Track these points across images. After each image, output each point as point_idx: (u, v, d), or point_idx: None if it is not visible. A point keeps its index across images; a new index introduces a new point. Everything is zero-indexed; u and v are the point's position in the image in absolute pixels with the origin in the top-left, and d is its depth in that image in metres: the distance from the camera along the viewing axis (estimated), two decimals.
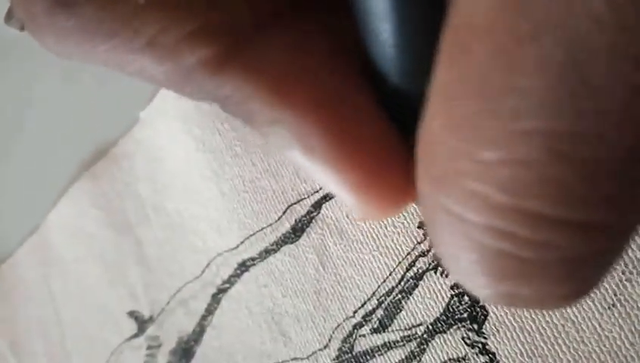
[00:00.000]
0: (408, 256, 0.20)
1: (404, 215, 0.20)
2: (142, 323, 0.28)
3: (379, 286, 0.21)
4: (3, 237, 0.35)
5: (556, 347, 0.17)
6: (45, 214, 0.31)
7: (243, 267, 0.24)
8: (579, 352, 0.17)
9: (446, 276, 0.19)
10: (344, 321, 0.21)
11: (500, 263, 0.08)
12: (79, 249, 0.30)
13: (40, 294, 0.33)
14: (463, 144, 0.07)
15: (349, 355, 0.21)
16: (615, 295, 0.16)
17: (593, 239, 0.08)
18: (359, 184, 0.10)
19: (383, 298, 0.21)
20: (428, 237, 0.20)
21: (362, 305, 0.21)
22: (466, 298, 0.19)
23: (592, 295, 0.17)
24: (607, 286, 0.17)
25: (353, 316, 0.21)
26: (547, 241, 0.08)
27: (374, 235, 0.21)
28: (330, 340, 0.22)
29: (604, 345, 0.17)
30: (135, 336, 0.28)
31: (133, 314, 0.28)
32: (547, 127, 0.07)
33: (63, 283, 0.31)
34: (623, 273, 0.16)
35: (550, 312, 0.17)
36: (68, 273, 0.31)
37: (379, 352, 0.21)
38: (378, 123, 0.10)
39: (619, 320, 0.16)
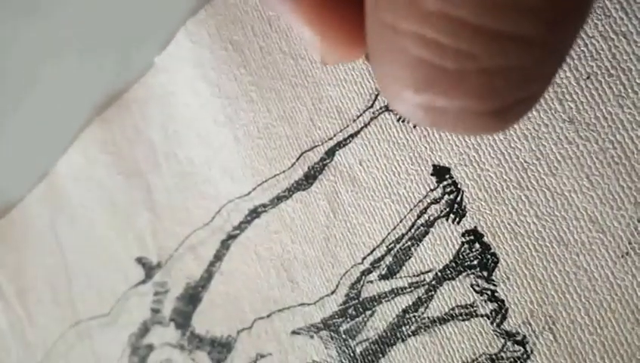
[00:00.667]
0: (420, 203, 0.20)
1: (417, 162, 0.20)
2: (150, 269, 0.28)
3: (389, 234, 0.21)
4: (13, 183, 0.35)
5: (567, 295, 0.17)
6: (55, 160, 0.31)
7: (255, 213, 0.24)
8: (590, 301, 0.17)
9: (457, 223, 0.19)
10: (352, 267, 0.21)
11: (421, 72, 0.08)
12: (89, 195, 0.30)
13: (48, 241, 0.33)
14: None
15: (356, 300, 0.21)
16: (629, 243, 0.16)
17: (513, 51, 0.08)
18: (328, 25, 0.11)
19: (392, 245, 0.21)
20: (441, 184, 0.20)
21: (371, 252, 0.21)
22: (477, 245, 0.19)
23: (606, 243, 0.17)
24: (621, 234, 0.16)
25: (362, 263, 0.21)
26: (467, 50, 0.08)
27: (386, 182, 0.21)
28: (337, 286, 0.22)
29: (616, 294, 0.17)
30: (142, 282, 0.28)
31: (141, 261, 0.28)
32: None
33: (71, 229, 0.32)
34: (638, 221, 0.16)
35: (561, 260, 0.17)
36: (77, 219, 0.31)
37: (386, 298, 0.21)
38: None
39: (633, 268, 0.16)
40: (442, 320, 0.20)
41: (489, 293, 0.19)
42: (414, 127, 0.20)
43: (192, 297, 0.26)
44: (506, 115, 0.09)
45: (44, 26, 0.32)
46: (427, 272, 0.20)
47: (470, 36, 0.08)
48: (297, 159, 0.22)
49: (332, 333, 0.22)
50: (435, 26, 0.08)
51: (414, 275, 0.20)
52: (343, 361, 0.22)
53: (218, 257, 0.25)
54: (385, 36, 0.09)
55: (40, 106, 0.33)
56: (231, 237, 0.25)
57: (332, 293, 0.22)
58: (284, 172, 0.23)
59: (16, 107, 0.34)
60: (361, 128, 0.21)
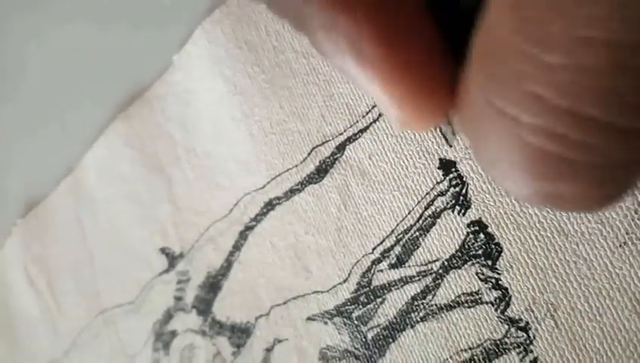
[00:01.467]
0: (427, 196, 0.21)
1: (425, 156, 0.21)
2: (173, 259, 0.29)
3: (398, 225, 0.21)
4: (41, 177, 0.36)
5: (567, 283, 0.18)
6: (80, 155, 0.33)
7: (270, 206, 0.25)
8: (590, 289, 0.18)
9: (463, 214, 0.20)
10: (363, 257, 0.22)
11: (546, 163, 0.09)
12: (113, 188, 0.32)
13: (74, 233, 0.35)
14: (528, 46, 0.08)
15: (367, 288, 0.22)
16: (627, 233, 0.17)
17: (638, 146, 0.08)
18: (406, 93, 0.10)
19: (401, 235, 0.21)
20: (447, 177, 0.20)
21: (381, 242, 0.22)
22: (481, 235, 0.20)
23: (605, 233, 0.17)
24: (619, 224, 0.17)
25: (372, 252, 0.22)
26: (595, 145, 0.08)
27: (394, 175, 0.21)
28: (349, 275, 0.23)
29: (614, 282, 0.17)
30: (166, 271, 0.29)
31: (164, 251, 0.29)
32: (615, 38, 0.07)
33: (96, 222, 0.33)
34: (636, 212, 0.17)
35: (562, 250, 0.18)
36: (101, 212, 0.33)
37: (395, 287, 0.22)
38: (427, 30, 0.10)
39: (630, 258, 0.17)
40: (449, 307, 0.20)
41: (493, 281, 0.19)
42: None
43: (213, 285, 0.27)
44: (617, 197, 0.09)
45: (70, 28, 0.33)
46: (435, 261, 0.21)
47: (601, 133, 0.08)
48: (309, 153, 0.23)
49: (345, 320, 0.23)
50: (564, 122, 0.08)
51: (422, 264, 0.21)
52: (356, 345, 0.23)
53: (236, 247, 0.26)
54: (497, 121, 0.09)
55: (66, 103, 0.35)
56: (248, 229, 0.26)
57: (344, 281, 0.23)
58: (296, 166, 0.24)
59: (43, 105, 0.36)
60: (371, 123, 0.22)
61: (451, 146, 0.20)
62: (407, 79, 0.10)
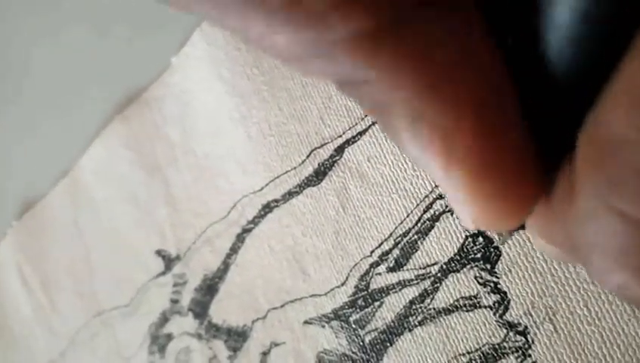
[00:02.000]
0: (426, 199, 0.21)
1: None
2: (169, 261, 0.29)
3: (396, 228, 0.21)
4: (37, 178, 0.36)
5: (566, 287, 0.18)
6: (78, 156, 0.33)
7: (267, 208, 0.25)
8: (589, 293, 0.18)
9: None
10: (361, 260, 0.22)
11: None
12: (110, 189, 0.31)
13: (71, 233, 0.34)
14: None
15: (365, 292, 0.22)
16: None
17: None
18: (492, 198, 0.10)
19: (399, 238, 0.21)
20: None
21: (379, 245, 0.22)
22: (480, 239, 0.20)
23: None
24: None
25: (370, 255, 0.22)
26: None
27: (393, 178, 0.21)
28: (347, 278, 0.23)
29: None
30: (162, 274, 0.29)
31: (161, 253, 0.29)
32: None
33: (93, 223, 0.33)
34: None
35: None
36: (98, 213, 0.32)
37: (394, 290, 0.21)
38: (520, 129, 0.10)
39: None
40: (448, 311, 0.20)
41: (492, 285, 0.19)
42: None
43: (209, 288, 0.27)
44: None
45: (69, 30, 0.33)
46: (433, 265, 0.21)
47: None
48: (308, 156, 0.23)
49: (342, 323, 0.23)
50: None
51: (420, 268, 0.21)
52: (353, 349, 0.23)
53: (234, 250, 0.26)
54: (621, 226, 0.08)
55: (64, 104, 0.34)
56: (246, 231, 0.26)
57: (342, 284, 0.23)
58: (294, 168, 0.24)
59: (40, 106, 0.36)
60: (370, 125, 0.22)
61: (502, 245, 0.19)
62: (496, 179, 0.09)
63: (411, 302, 0.21)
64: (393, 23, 0.08)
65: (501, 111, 0.09)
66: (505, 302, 0.19)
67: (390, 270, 0.22)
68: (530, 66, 0.09)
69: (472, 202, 0.10)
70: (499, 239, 0.19)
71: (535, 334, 0.18)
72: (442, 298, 0.20)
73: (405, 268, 0.21)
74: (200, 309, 0.28)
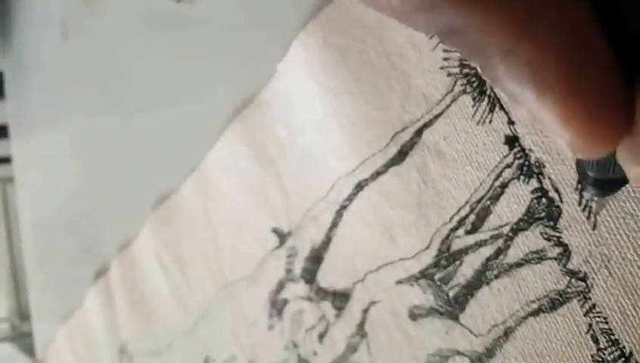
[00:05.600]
0: (496, 168, 0.24)
1: (492, 134, 0.24)
2: (282, 237, 0.34)
3: (471, 196, 0.25)
4: (170, 174, 0.43)
5: (617, 236, 0.20)
6: (204, 154, 0.39)
7: (359, 187, 0.29)
8: (637, 240, 0.20)
9: (527, 183, 0.23)
10: (442, 226, 0.26)
11: None
12: (232, 181, 0.37)
13: (200, 221, 0.41)
14: None
15: (447, 253, 0.26)
16: None
17: None
18: (582, 120, 0.10)
19: (474, 205, 0.25)
20: (512, 151, 0.23)
21: (457, 212, 0.25)
22: (543, 200, 0.23)
23: None
24: None
25: (450, 221, 0.26)
26: None
27: (466, 153, 0.25)
28: (430, 242, 0.26)
29: None
30: (277, 248, 0.35)
31: (276, 231, 0.35)
32: None
33: (218, 210, 0.39)
34: None
35: (612, 207, 0.21)
36: (223, 201, 0.38)
37: (472, 250, 0.25)
38: (605, 53, 0.11)
39: None
40: (519, 264, 0.23)
41: (555, 239, 0.22)
42: (488, 106, 0.24)
43: (316, 258, 0.32)
44: None
45: (193, 48, 0.40)
46: (505, 226, 0.24)
47: None
48: (391, 139, 0.27)
49: (429, 281, 0.27)
50: None
51: (494, 229, 0.24)
52: (439, 303, 0.26)
53: (334, 224, 0.31)
54: None
55: (191, 110, 0.41)
56: (343, 208, 0.30)
57: (426, 248, 0.27)
58: (380, 151, 0.28)
59: (172, 113, 0.43)
60: (444, 109, 0.26)
61: (598, 213, 0.21)
62: (586, 104, 0.10)
63: (487, 259, 0.24)
64: None
65: (585, 43, 0.10)
66: (567, 254, 0.22)
67: (468, 233, 0.25)
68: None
69: (565, 127, 0.10)
70: (595, 207, 0.21)
71: (594, 279, 0.21)
72: (514, 254, 0.24)
73: (480, 230, 0.25)
74: (309, 276, 0.33)
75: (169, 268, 0.45)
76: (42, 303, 0.68)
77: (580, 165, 0.20)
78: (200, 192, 0.40)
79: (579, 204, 0.21)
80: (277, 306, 0.35)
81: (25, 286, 0.71)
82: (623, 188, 0.20)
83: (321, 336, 0.32)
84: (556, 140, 0.11)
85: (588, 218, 0.21)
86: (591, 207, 0.21)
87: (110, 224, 0.52)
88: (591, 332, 0.21)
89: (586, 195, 0.21)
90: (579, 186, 0.21)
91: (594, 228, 0.21)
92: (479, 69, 0.11)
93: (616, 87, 0.11)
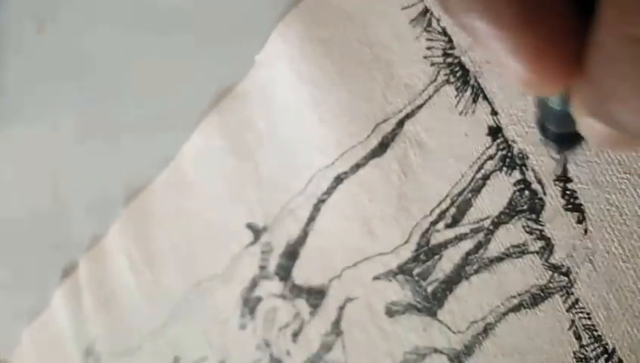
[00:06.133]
0: (478, 160, 0.23)
1: (474, 125, 0.23)
2: (257, 232, 0.33)
3: (452, 188, 0.24)
4: (142, 168, 0.42)
5: (602, 230, 0.20)
6: (178, 147, 0.38)
7: (338, 180, 0.28)
8: (622, 233, 0.20)
9: (509, 175, 0.22)
10: (422, 219, 0.25)
11: None
12: (207, 174, 0.36)
13: (173, 216, 0.39)
14: None
15: (426, 247, 0.25)
16: None
17: None
18: (534, 53, 0.10)
19: (455, 197, 0.24)
20: (495, 142, 0.23)
21: (438, 205, 0.25)
22: (526, 192, 0.22)
23: (633, 182, 0.19)
24: None
25: (430, 214, 0.25)
26: None
27: (448, 145, 0.24)
28: (410, 236, 0.26)
29: None
30: (252, 244, 0.34)
31: (250, 226, 0.34)
32: None
33: (192, 205, 0.38)
34: None
35: (597, 199, 0.20)
36: (196, 195, 0.37)
37: (451, 244, 0.24)
38: None
39: None
40: (499, 259, 0.23)
41: (537, 232, 0.22)
42: (472, 96, 0.24)
43: (292, 253, 0.31)
44: None
45: (168, 39, 0.39)
46: (486, 219, 0.23)
47: None
48: (372, 130, 0.27)
49: (407, 277, 0.26)
50: None
51: (474, 222, 0.24)
52: (417, 299, 0.25)
53: (311, 218, 0.30)
54: (633, 50, 0.09)
55: (165, 102, 0.40)
56: (321, 201, 0.29)
57: (405, 242, 0.26)
58: (361, 143, 0.27)
59: (144, 104, 0.41)
60: (427, 100, 0.25)
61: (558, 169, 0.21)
62: (538, 36, 0.10)
63: (467, 254, 0.24)
64: None
65: None
66: (550, 247, 0.21)
67: (448, 226, 0.24)
68: None
69: (517, 60, 0.10)
70: (556, 166, 0.21)
71: (577, 274, 0.21)
72: (495, 247, 0.23)
73: (461, 223, 0.24)
74: (284, 273, 0.31)
75: (140, 265, 0.44)
76: (7, 303, 0.66)
77: (540, 120, 0.19)
78: (173, 186, 0.39)
79: (563, 196, 0.21)
80: (249, 304, 0.34)
81: None
82: (609, 181, 0.20)
83: (295, 335, 0.31)
84: (509, 75, 0.11)
85: (571, 210, 0.21)
86: (576, 198, 0.21)
87: (78, 220, 0.51)
88: (573, 328, 0.21)
89: (571, 186, 0.21)
90: (567, 175, 0.21)
91: (578, 221, 0.21)
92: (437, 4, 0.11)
93: (569, 23, 0.10)
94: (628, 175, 0.19)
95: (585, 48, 0.10)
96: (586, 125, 0.11)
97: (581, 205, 0.20)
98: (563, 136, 0.18)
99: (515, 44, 0.10)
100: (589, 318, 0.20)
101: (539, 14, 0.10)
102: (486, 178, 0.23)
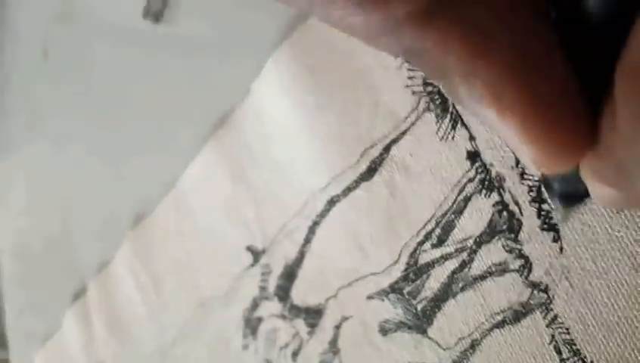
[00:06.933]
0: (459, 183, 0.24)
1: (454, 149, 0.25)
2: (257, 254, 0.34)
3: (436, 210, 0.25)
4: (147, 194, 0.43)
5: (577, 248, 0.21)
6: (179, 173, 0.39)
7: (332, 202, 0.30)
8: (595, 251, 0.21)
9: (488, 197, 0.24)
10: (410, 239, 0.26)
11: None
12: (207, 199, 0.38)
13: (176, 239, 0.41)
14: None
15: (415, 267, 0.26)
16: None
17: None
18: (543, 138, 0.10)
19: (440, 218, 0.25)
20: (474, 166, 0.24)
21: (424, 226, 0.26)
22: (504, 213, 0.23)
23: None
24: None
25: (417, 235, 0.26)
26: None
27: (431, 168, 0.25)
28: (399, 256, 0.27)
29: (615, 244, 0.20)
30: (252, 265, 0.35)
31: (250, 248, 0.35)
32: None
33: (193, 228, 0.39)
34: None
35: (571, 221, 0.21)
36: (197, 219, 0.39)
37: (438, 263, 0.25)
38: (564, 69, 0.11)
39: (626, 221, 0.20)
40: (483, 277, 0.24)
41: (517, 251, 0.23)
42: (451, 123, 0.25)
43: (290, 275, 0.32)
44: None
45: (167, 67, 0.40)
46: (468, 239, 0.24)
47: None
48: (361, 155, 0.28)
49: (398, 295, 0.27)
50: None
51: (458, 242, 0.25)
52: (408, 317, 0.27)
53: (307, 240, 0.31)
54: None
55: (166, 131, 0.41)
56: (316, 224, 0.30)
57: (395, 262, 0.27)
58: (351, 167, 0.28)
59: (147, 133, 0.43)
60: (410, 126, 0.26)
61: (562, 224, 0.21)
62: (545, 122, 0.10)
63: (453, 272, 0.25)
64: (439, 2, 0.10)
65: (543, 63, 0.11)
66: (529, 265, 0.22)
67: (434, 246, 0.25)
68: (571, 21, 0.11)
69: (527, 145, 0.11)
70: (560, 218, 0.21)
71: (555, 291, 0.22)
72: (478, 266, 0.24)
73: (445, 243, 0.25)
74: (283, 293, 0.33)
75: (146, 288, 0.45)
76: (20, 326, 0.67)
77: (545, 177, 0.20)
78: (175, 211, 0.40)
79: (539, 217, 0.22)
80: (251, 325, 0.35)
81: (1, 310, 0.70)
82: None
83: (295, 354, 0.32)
84: (521, 156, 0.11)
85: (547, 230, 0.22)
86: (551, 218, 0.22)
87: (87, 245, 0.52)
88: (554, 343, 0.22)
89: (546, 206, 0.22)
90: (541, 196, 0.22)
91: (553, 240, 0.22)
92: (442, 89, 0.12)
93: (575, 104, 0.11)
94: None
95: (597, 121, 0.11)
96: (597, 189, 0.12)
97: (555, 225, 0.21)
98: (570, 194, 0.18)
99: (523, 131, 0.11)
100: (568, 333, 0.21)
101: (545, 98, 0.10)
102: (467, 199, 0.24)
